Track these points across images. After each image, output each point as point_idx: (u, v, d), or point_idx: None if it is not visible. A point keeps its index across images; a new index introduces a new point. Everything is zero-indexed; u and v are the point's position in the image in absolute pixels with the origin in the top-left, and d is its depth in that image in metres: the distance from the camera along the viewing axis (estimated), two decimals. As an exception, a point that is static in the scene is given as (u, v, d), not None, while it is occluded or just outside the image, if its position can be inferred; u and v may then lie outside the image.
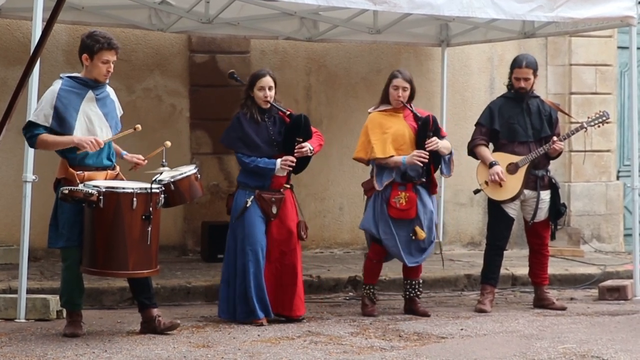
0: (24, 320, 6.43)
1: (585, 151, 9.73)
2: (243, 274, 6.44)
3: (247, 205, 6.45)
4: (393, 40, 9.46)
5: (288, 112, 6.61)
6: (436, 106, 9.90)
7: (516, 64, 7.25)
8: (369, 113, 7.04)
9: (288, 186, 6.63)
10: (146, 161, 6.15)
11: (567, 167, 10.41)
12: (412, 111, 6.90)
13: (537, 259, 7.39)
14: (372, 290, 7.02)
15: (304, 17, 8.81)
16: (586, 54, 10.45)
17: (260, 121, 6.52)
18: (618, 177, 10.71)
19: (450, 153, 6.96)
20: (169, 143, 6.12)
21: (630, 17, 7.79)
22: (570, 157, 10.33)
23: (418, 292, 7.00)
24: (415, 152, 6.76)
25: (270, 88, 6.49)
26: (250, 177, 6.54)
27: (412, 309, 6.97)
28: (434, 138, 6.79)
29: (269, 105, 6.53)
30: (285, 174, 6.55)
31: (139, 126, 6.07)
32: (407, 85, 6.86)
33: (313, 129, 6.69)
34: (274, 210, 6.49)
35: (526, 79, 7.19)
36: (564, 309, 7.27)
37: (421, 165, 6.77)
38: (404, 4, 7.07)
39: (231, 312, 6.52)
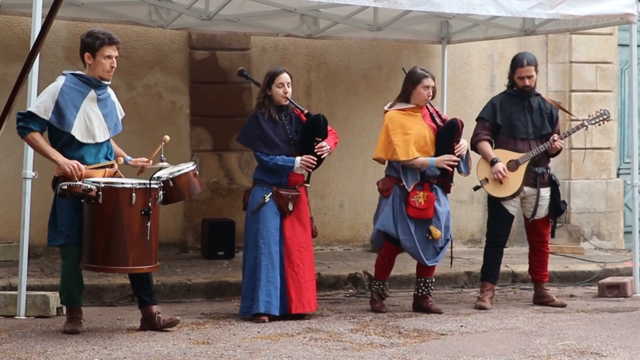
0: (24, 317, 6.44)
1: (585, 149, 9.73)
2: (254, 267, 6.50)
3: (265, 201, 6.52)
4: (393, 37, 9.46)
5: (306, 112, 6.70)
6: (436, 103, 9.87)
7: (518, 63, 7.23)
8: (386, 111, 6.93)
9: (308, 185, 6.71)
10: (151, 162, 6.16)
11: (567, 165, 10.41)
12: (430, 112, 6.89)
13: (537, 256, 7.39)
14: (382, 286, 7.03)
15: (304, 14, 8.81)
16: (587, 52, 10.45)
17: (277, 120, 6.58)
18: (618, 175, 10.72)
19: (468, 152, 6.95)
20: (167, 137, 6.14)
21: (631, 15, 7.79)
22: (570, 155, 10.33)
23: (430, 290, 6.98)
24: (446, 156, 6.72)
25: (288, 84, 6.58)
26: (268, 174, 6.60)
27: (423, 306, 6.95)
28: (463, 142, 6.79)
29: (287, 101, 6.58)
30: (303, 172, 6.60)
31: (121, 159, 6.09)
32: (434, 85, 6.85)
33: (328, 127, 6.75)
34: (290, 207, 6.56)
35: (530, 77, 7.19)
36: (563, 306, 7.27)
37: (450, 169, 6.77)
38: (404, 1, 7.07)
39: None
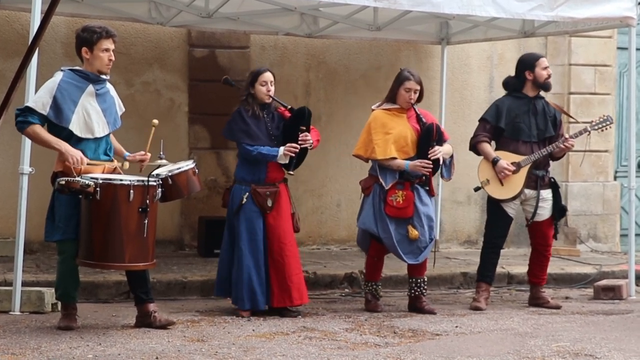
0: (18, 313, 6.43)
1: (583, 151, 9.73)
2: (239, 265, 6.59)
3: (243, 202, 6.61)
4: (393, 37, 9.46)
5: (289, 107, 6.79)
6: (435, 104, 9.90)
7: (534, 57, 7.31)
8: (372, 110, 7.00)
9: (292, 173, 6.75)
10: (149, 154, 6.17)
11: (564, 167, 10.42)
12: (417, 114, 6.89)
13: (539, 260, 7.39)
14: (375, 286, 7.04)
15: (304, 13, 8.81)
16: (586, 54, 10.45)
17: (260, 117, 6.70)
18: (615, 178, 10.72)
19: (451, 157, 6.96)
20: (156, 121, 6.18)
21: (630, 18, 7.80)
22: (568, 157, 10.32)
23: (423, 290, 6.99)
24: (418, 161, 6.73)
25: (271, 83, 6.69)
26: (248, 171, 6.68)
27: (417, 307, 6.96)
28: (437, 148, 6.77)
29: (270, 99, 6.65)
30: (287, 160, 6.66)
31: (126, 164, 6.16)
32: (419, 88, 6.86)
33: (311, 127, 6.81)
34: (269, 203, 6.64)
35: (548, 67, 7.28)
36: (558, 307, 7.28)
37: (427, 173, 6.78)
38: (404, 1, 7.07)
39: (225, 290, 6.74)
